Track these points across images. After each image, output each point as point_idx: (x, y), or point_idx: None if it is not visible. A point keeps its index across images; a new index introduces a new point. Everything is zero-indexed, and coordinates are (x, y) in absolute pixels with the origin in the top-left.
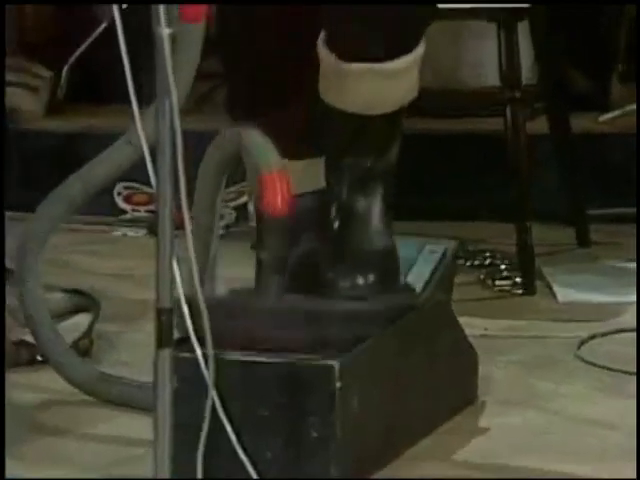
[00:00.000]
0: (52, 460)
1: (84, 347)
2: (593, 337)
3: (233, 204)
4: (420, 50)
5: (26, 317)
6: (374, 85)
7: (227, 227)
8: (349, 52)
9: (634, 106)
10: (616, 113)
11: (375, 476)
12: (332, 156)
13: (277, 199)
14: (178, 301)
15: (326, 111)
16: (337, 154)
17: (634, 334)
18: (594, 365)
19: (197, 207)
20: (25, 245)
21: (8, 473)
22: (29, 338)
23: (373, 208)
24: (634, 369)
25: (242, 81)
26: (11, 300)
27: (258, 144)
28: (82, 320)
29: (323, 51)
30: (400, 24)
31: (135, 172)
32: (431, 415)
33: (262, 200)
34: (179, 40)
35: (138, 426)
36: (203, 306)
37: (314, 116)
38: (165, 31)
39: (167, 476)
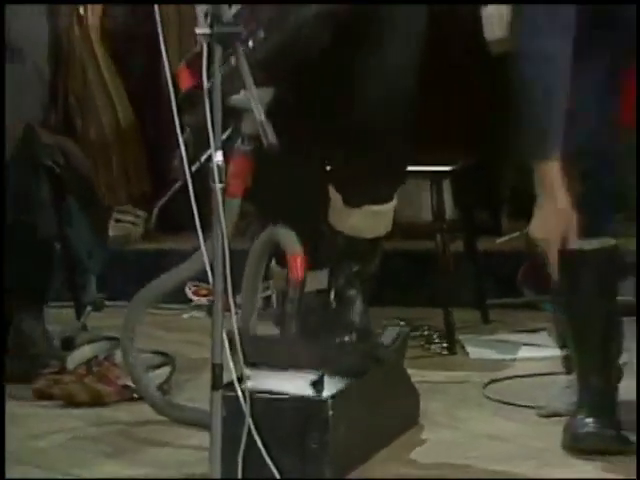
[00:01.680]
0: (147, 459)
1: (166, 388)
2: (494, 381)
3: (262, 295)
4: (395, 201)
5: (128, 369)
6: (366, 220)
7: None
8: (351, 197)
9: (518, 233)
10: (506, 238)
11: (353, 475)
12: (334, 260)
13: (298, 267)
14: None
15: (333, 232)
16: (338, 259)
17: (524, 379)
18: (495, 400)
19: (245, 284)
20: (127, 320)
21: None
22: (130, 383)
23: (358, 296)
24: (523, 402)
25: (271, 218)
26: (118, 356)
27: (288, 235)
28: (164, 371)
29: (333, 194)
30: (384, 184)
31: (200, 275)
32: (390, 432)
33: (291, 268)
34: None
35: (200, 438)
36: (242, 363)
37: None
38: (218, 185)
39: (218, 476)
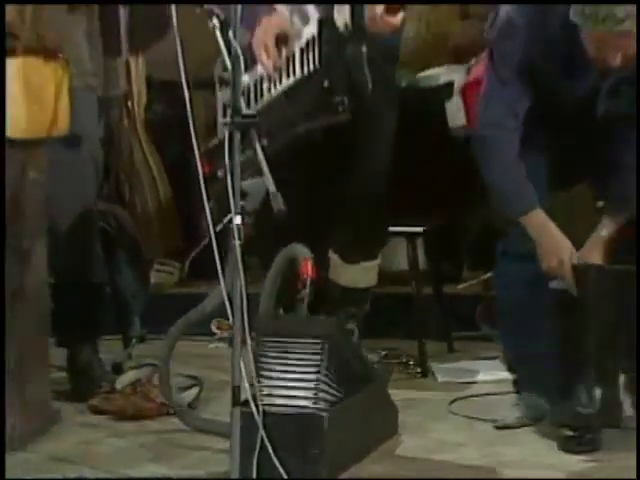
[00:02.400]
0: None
1: (195, 405)
2: (458, 399)
3: None
4: (380, 258)
5: (164, 390)
6: (359, 274)
7: None
8: (346, 257)
9: (475, 280)
10: (466, 284)
11: (346, 475)
12: (335, 306)
13: (309, 268)
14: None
15: (333, 284)
16: (338, 305)
17: (482, 398)
18: (458, 415)
19: (263, 294)
20: (164, 350)
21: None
22: (166, 401)
23: (354, 331)
24: (482, 417)
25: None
26: (157, 379)
27: (301, 248)
28: (194, 391)
29: (332, 255)
30: (372, 247)
31: (222, 312)
32: (375, 439)
33: (302, 270)
34: None
35: (222, 444)
36: (256, 385)
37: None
38: (237, 242)
39: (237, 475)
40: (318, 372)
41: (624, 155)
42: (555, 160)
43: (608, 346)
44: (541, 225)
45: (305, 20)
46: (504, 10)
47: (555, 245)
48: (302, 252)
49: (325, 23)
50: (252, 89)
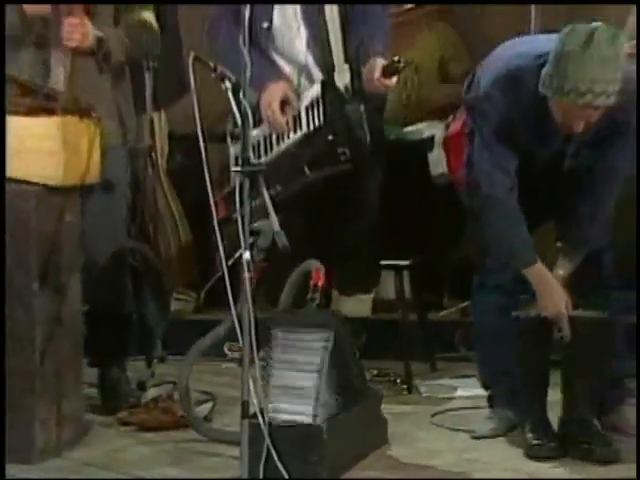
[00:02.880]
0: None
1: (209, 418)
2: (439, 412)
3: None
4: (374, 292)
5: (182, 405)
6: (356, 305)
7: None
8: (346, 291)
9: (455, 308)
10: (447, 312)
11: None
12: None
13: (319, 275)
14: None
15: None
16: None
17: (460, 411)
18: (440, 426)
19: (283, 295)
20: (182, 368)
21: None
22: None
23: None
24: (460, 428)
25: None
26: (176, 395)
27: (315, 262)
28: (208, 405)
29: (334, 291)
30: (367, 282)
31: (233, 336)
32: (368, 448)
33: (314, 277)
34: None
35: (233, 451)
36: (266, 404)
37: None
38: (247, 274)
39: (246, 476)
40: (319, 379)
41: (582, 206)
42: (527, 205)
43: (579, 374)
44: (541, 278)
45: (311, 80)
46: (483, 82)
47: (553, 297)
48: (314, 264)
49: (328, 85)
50: (262, 142)
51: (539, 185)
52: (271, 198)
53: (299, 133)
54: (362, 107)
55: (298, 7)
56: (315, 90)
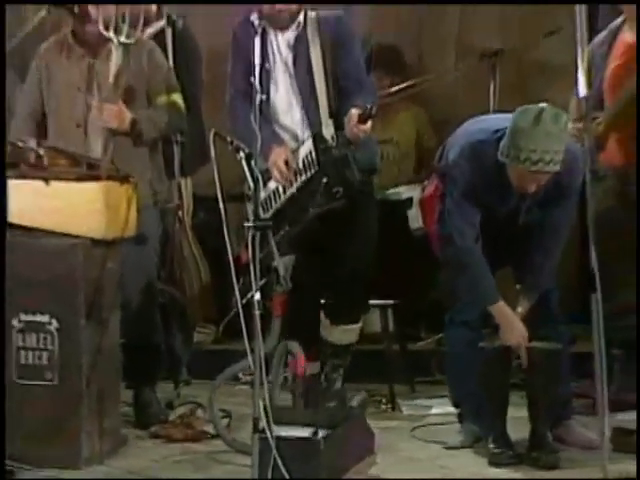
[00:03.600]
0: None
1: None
2: (418, 427)
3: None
4: (361, 322)
5: (212, 419)
6: (344, 334)
7: None
8: (335, 320)
9: (430, 339)
10: (423, 343)
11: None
12: (324, 357)
13: (299, 365)
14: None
15: (323, 341)
16: (326, 357)
17: (435, 426)
18: (419, 439)
19: (272, 372)
20: (212, 391)
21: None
22: (205, 428)
23: (339, 378)
24: (436, 440)
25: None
26: (198, 412)
27: (294, 345)
28: (224, 421)
29: (324, 318)
30: (354, 311)
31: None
32: (357, 457)
33: (294, 366)
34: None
35: (246, 460)
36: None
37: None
38: (257, 312)
39: (256, 476)
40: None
41: (535, 255)
42: (489, 253)
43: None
44: (503, 314)
45: (299, 141)
46: (451, 153)
47: (514, 330)
48: (294, 350)
49: (318, 137)
50: (271, 196)
51: (499, 236)
52: (282, 237)
53: (299, 180)
54: (348, 151)
55: (289, 81)
56: (308, 144)
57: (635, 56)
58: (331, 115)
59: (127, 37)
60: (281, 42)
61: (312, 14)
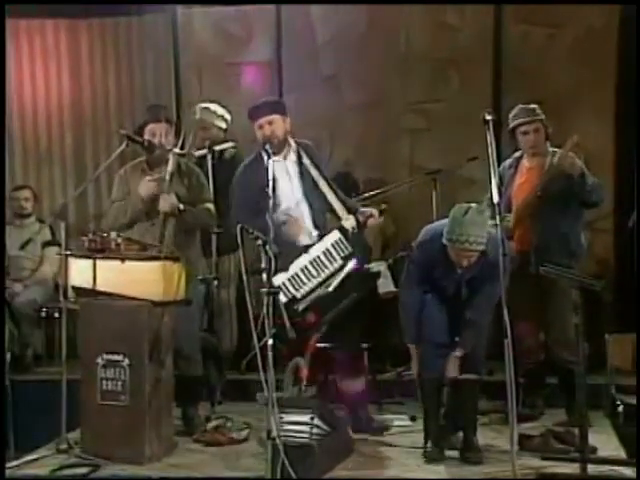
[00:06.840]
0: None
1: (248, 438)
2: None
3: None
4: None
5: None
6: None
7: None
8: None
9: (393, 372)
10: (388, 375)
11: (327, 476)
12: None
13: (303, 373)
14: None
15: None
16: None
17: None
18: (400, 446)
19: (285, 380)
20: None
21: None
22: (234, 436)
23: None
24: (396, 443)
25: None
26: (228, 424)
27: (301, 361)
28: (246, 431)
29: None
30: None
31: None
32: (341, 457)
33: (300, 374)
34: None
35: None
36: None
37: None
38: (270, 355)
39: (269, 476)
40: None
41: (472, 315)
42: (440, 313)
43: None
44: (413, 354)
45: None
46: (414, 244)
47: (416, 366)
48: (301, 364)
49: (342, 229)
50: (300, 274)
51: (448, 301)
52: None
53: (335, 264)
54: (365, 238)
55: (295, 190)
56: (334, 235)
57: (530, 177)
58: (349, 211)
59: (180, 148)
60: (284, 164)
61: (292, 142)
